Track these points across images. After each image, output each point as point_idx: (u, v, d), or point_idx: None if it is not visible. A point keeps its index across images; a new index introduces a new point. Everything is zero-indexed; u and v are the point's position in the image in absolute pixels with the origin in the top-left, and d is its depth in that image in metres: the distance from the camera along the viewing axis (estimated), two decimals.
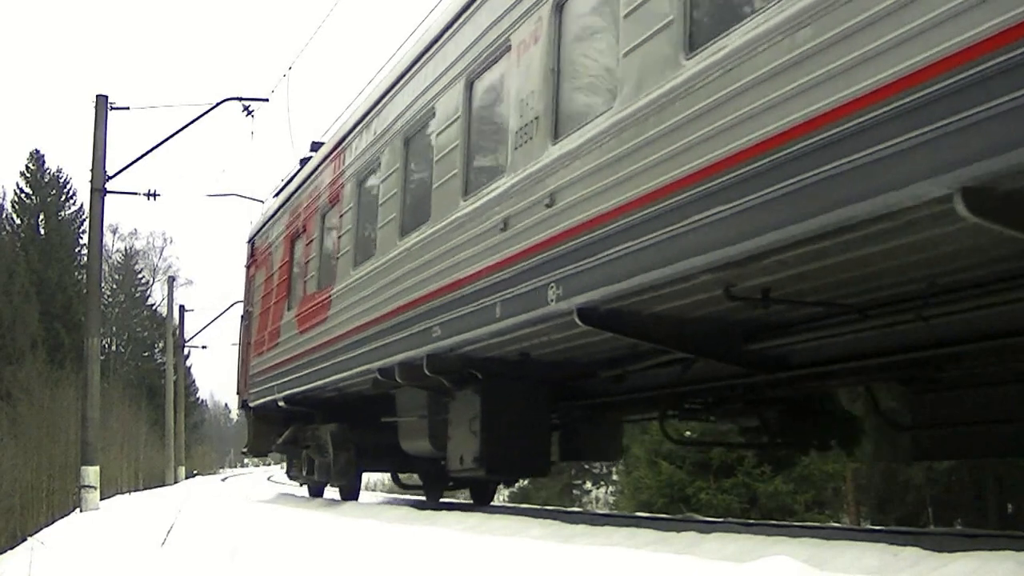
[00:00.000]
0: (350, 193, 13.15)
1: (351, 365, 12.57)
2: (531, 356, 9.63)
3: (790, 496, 22.21)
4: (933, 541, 6.59)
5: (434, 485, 16.92)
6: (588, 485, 35.67)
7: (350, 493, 16.14)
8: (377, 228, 11.86)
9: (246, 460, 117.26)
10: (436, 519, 10.48)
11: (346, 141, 13.52)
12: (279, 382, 16.35)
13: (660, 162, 6.40)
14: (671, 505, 22.03)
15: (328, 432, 15.35)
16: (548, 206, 7.75)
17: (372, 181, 12.40)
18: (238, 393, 21.31)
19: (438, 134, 10.14)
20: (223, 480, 54.64)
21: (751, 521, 15.19)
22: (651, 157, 6.49)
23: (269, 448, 20.06)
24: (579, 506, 31.86)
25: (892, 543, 5.53)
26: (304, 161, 17.08)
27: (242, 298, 21.80)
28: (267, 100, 23.95)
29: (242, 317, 21.20)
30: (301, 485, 19.73)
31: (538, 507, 19.74)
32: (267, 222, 18.63)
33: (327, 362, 13.65)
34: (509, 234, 8.40)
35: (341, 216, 13.47)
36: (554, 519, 10.14)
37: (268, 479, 52.74)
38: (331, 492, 18.90)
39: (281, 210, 17.45)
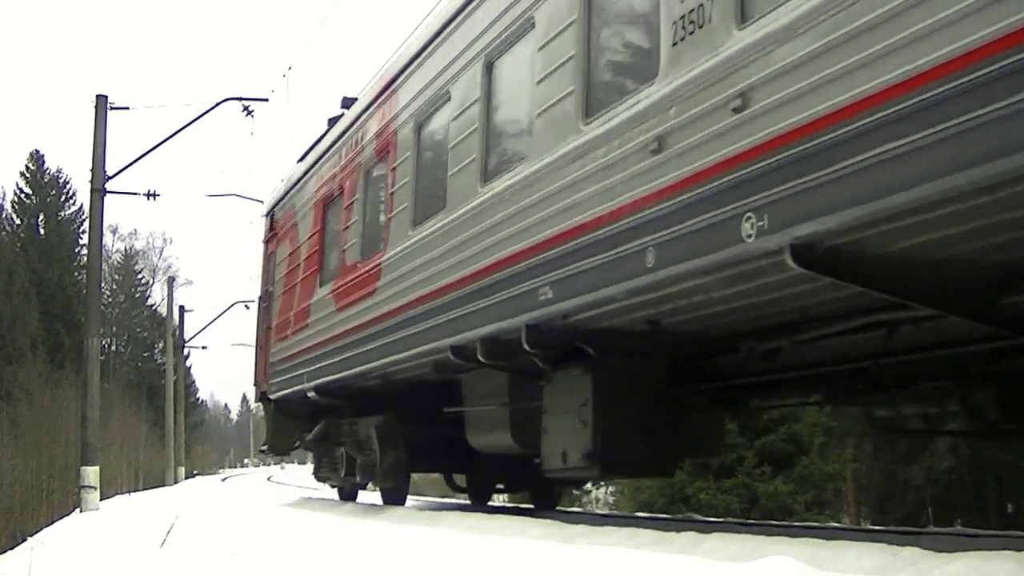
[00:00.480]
0: (406, 140, 11.05)
1: (410, 344, 10.50)
2: (661, 325, 7.56)
3: (790, 496, 22.01)
4: (933, 541, 6.42)
5: (483, 487, 14.81)
6: (588, 485, 34.12)
7: (396, 497, 13.93)
8: (448, 176, 9.77)
9: (246, 460, 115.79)
10: (437, 519, 10.40)
11: (398, 81, 11.40)
12: (309, 369, 14.23)
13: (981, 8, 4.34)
14: (671, 505, 21.57)
15: (372, 426, 13.21)
16: (737, 111, 5.70)
17: (439, 121, 10.30)
18: (255, 384, 19.19)
19: (541, 48, 8.06)
20: (223, 480, 54.30)
21: (751, 521, 14.42)
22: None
23: (292, 445, 17.92)
24: (579, 506, 30.56)
25: (892, 543, 5.54)
26: (333, 121, 14.99)
27: (260, 278, 19.57)
28: (267, 100, 23.77)
29: (260, 299, 19.00)
30: (333, 487, 17.52)
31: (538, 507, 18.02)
32: (291, 189, 16.40)
33: (375, 342, 11.56)
34: (667, 156, 6.30)
35: (393, 169, 11.36)
36: (554, 519, 10.03)
37: (268, 479, 51.98)
38: (364, 496, 16.93)
39: (309, 173, 15.25)
